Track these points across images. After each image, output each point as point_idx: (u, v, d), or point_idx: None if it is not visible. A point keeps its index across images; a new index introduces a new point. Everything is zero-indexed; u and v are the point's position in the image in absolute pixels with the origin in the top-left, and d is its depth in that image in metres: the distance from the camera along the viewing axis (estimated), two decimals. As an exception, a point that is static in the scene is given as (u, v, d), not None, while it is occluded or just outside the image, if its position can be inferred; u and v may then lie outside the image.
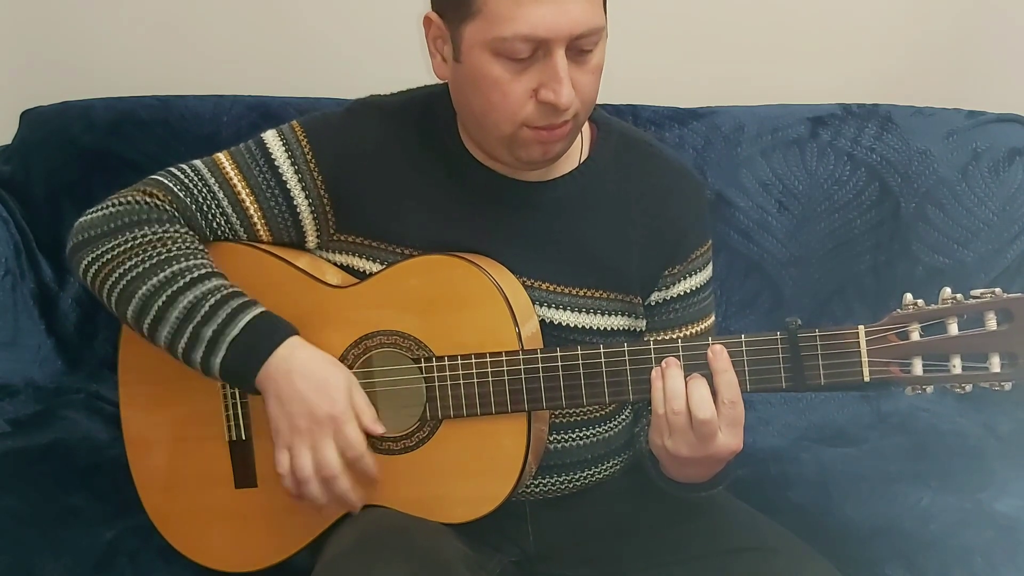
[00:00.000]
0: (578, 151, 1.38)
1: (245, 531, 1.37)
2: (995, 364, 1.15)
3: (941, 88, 2.20)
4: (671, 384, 1.20)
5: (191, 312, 1.25)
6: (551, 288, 1.35)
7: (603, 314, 1.37)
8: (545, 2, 1.17)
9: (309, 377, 1.24)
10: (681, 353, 1.23)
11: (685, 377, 1.21)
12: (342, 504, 1.27)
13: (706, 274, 1.45)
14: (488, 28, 1.19)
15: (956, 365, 1.16)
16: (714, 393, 1.20)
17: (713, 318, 1.47)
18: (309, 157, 1.36)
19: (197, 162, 1.38)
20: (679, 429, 1.20)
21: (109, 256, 1.30)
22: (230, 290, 1.27)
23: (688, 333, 1.43)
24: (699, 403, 1.19)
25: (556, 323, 1.35)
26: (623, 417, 1.43)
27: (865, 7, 2.23)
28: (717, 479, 1.30)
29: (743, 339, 1.22)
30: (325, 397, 1.23)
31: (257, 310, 1.26)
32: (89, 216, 1.35)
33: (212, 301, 1.25)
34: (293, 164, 1.36)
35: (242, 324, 1.25)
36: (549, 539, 1.41)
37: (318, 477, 1.24)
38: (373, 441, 1.30)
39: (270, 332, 1.25)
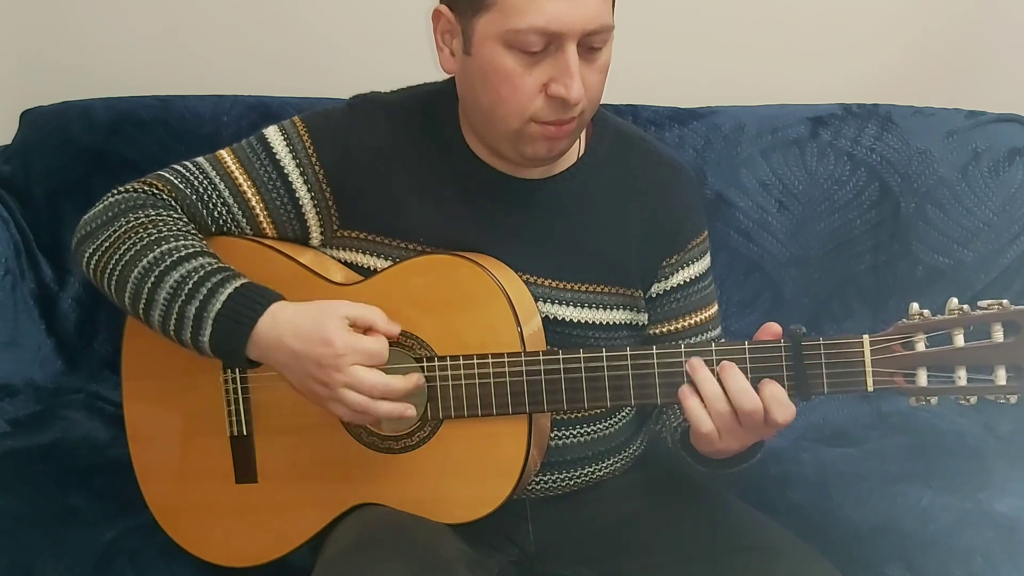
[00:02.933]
0: (576, 148, 1.39)
1: (245, 526, 1.38)
2: (1001, 377, 1.14)
3: (941, 88, 2.20)
4: (708, 389, 1.19)
5: (176, 292, 1.25)
6: (553, 284, 1.35)
7: (605, 309, 1.37)
8: None
9: (298, 333, 1.22)
10: (684, 358, 1.22)
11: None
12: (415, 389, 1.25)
13: (704, 263, 1.46)
14: (502, 20, 1.20)
15: (961, 377, 1.16)
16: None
17: (716, 307, 1.48)
18: (311, 151, 1.36)
19: (199, 158, 1.39)
20: (727, 429, 1.19)
21: (106, 245, 1.30)
22: (214, 266, 1.27)
23: (691, 322, 1.44)
24: (739, 394, 1.17)
25: (559, 319, 1.35)
26: (623, 414, 1.43)
27: (865, 7, 2.23)
28: (755, 448, 1.28)
29: (746, 346, 1.21)
30: (321, 344, 1.21)
31: (238, 282, 1.25)
32: (90, 212, 1.35)
33: (195, 279, 1.25)
34: (295, 158, 1.36)
35: (223, 298, 1.24)
36: (549, 538, 1.41)
37: (376, 399, 1.22)
38: (374, 440, 1.30)
39: (252, 302, 1.24)
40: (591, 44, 1.22)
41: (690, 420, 1.20)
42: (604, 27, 1.22)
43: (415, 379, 1.25)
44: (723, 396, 1.18)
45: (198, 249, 1.29)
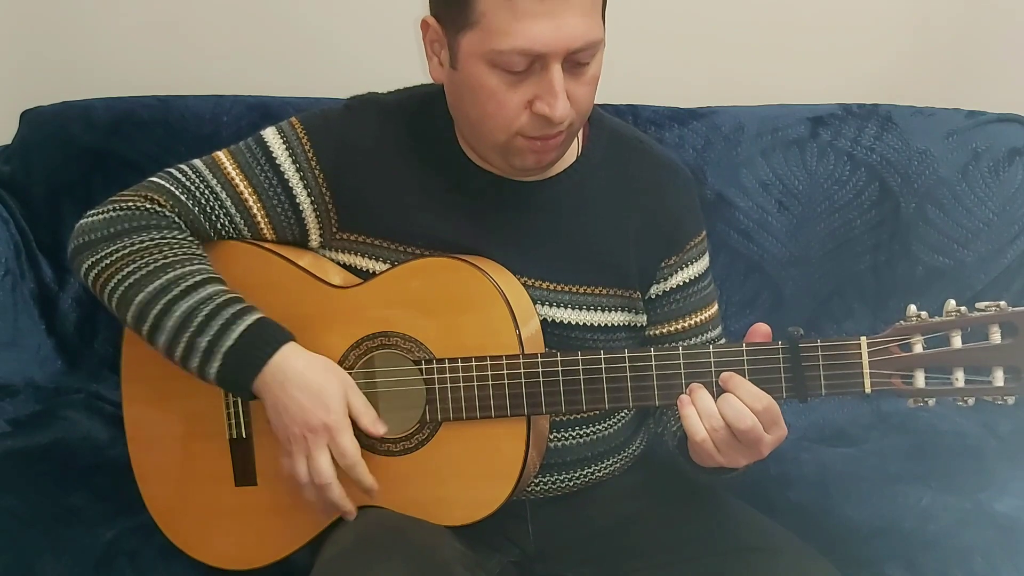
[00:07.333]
0: (573, 149, 1.39)
1: (244, 529, 1.38)
2: (998, 378, 1.15)
3: (941, 88, 2.20)
4: (703, 404, 1.19)
5: (186, 321, 1.25)
6: (551, 287, 1.35)
7: (604, 311, 1.37)
8: (543, 17, 1.16)
9: (304, 387, 1.24)
10: (682, 360, 1.23)
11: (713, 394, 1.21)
12: (337, 510, 1.28)
13: (703, 263, 1.46)
14: (485, 40, 1.19)
15: (959, 378, 1.16)
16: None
17: (716, 307, 1.48)
18: (310, 154, 1.36)
19: (197, 162, 1.38)
20: (725, 444, 1.19)
21: (108, 261, 1.30)
22: (225, 297, 1.27)
23: (691, 323, 1.43)
24: (735, 416, 1.18)
25: (557, 321, 1.35)
26: (623, 415, 1.43)
27: (865, 7, 2.23)
28: None
29: (744, 348, 1.21)
30: (320, 406, 1.23)
31: (252, 318, 1.26)
32: (90, 218, 1.35)
33: (207, 311, 1.25)
34: (294, 161, 1.36)
35: (236, 334, 1.24)
36: (549, 539, 1.41)
37: (313, 484, 1.25)
38: (373, 442, 1.30)
39: (264, 342, 1.25)
40: (577, 60, 1.21)
41: (685, 429, 1.20)
42: (590, 44, 1.20)
43: (350, 506, 1.28)
44: (717, 412, 1.19)
45: (207, 276, 1.29)
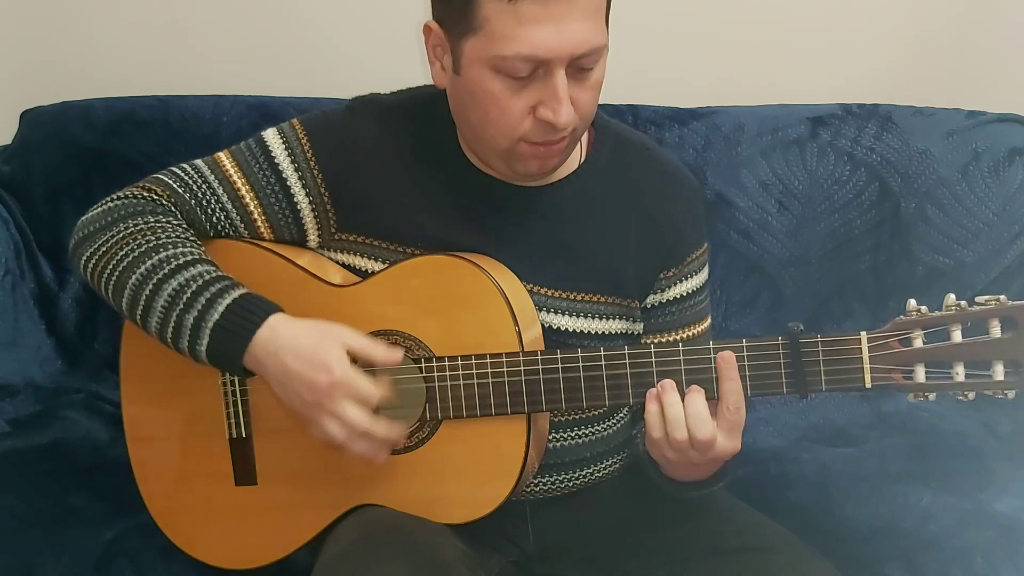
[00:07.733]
0: (577, 155, 1.38)
1: (245, 528, 1.38)
2: (999, 372, 1.15)
3: (941, 88, 2.20)
4: (671, 412, 1.20)
5: (175, 300, 1.25)
6: (549, 293, 1.35)
7: (601, 318, 1.37)
8: (547, 23, 1.16)
9: (298, 353, 1.21)
10: (682, 357, 1.23)
11: (682, 391, 1.21)
12: (387, 447, 1.25)
13: (702, 277, 1.45)
14: (488, 45, 1.19)
15: (959, 373, 1.16)
16: (718, 397, 1.20)
17: (709, 321, 1.47)
18: (309, 155, 1.36)
19: (197, 161, 1.39)
20: (680, 449, 1.20)
21: (104, 249, 1.30)
22: (213, 275, 1.27)
23: (685, 336, 1.43)
24: (696, 422, 1.19)
25: (554, 328, 1.35)
26: (621, 415, 1.43)
27: (865, 7, 2.23)
28: (716, 476, 1.30)
29: (744, 343, 1.21)
30: (319, 368, 1.20)
31: (237, 293, 1.25)
32: (89, 214, 1.35)
33: (194, 287, 1.25)
34: (293, 162, 1.36)
35: (222, 308, 1.24)
36: (549, 539, 1.41)
37: (355, 436, 1.22)
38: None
39: (250, 314, 1.23)
40: (581, 65, 1.21)
41: (647, 423, 1.22)
42: (594, 49, 1.20)
43: (399, 430, 1.24)
44: (684, 422, 1.20)
45: (197, 256, 1.29)
